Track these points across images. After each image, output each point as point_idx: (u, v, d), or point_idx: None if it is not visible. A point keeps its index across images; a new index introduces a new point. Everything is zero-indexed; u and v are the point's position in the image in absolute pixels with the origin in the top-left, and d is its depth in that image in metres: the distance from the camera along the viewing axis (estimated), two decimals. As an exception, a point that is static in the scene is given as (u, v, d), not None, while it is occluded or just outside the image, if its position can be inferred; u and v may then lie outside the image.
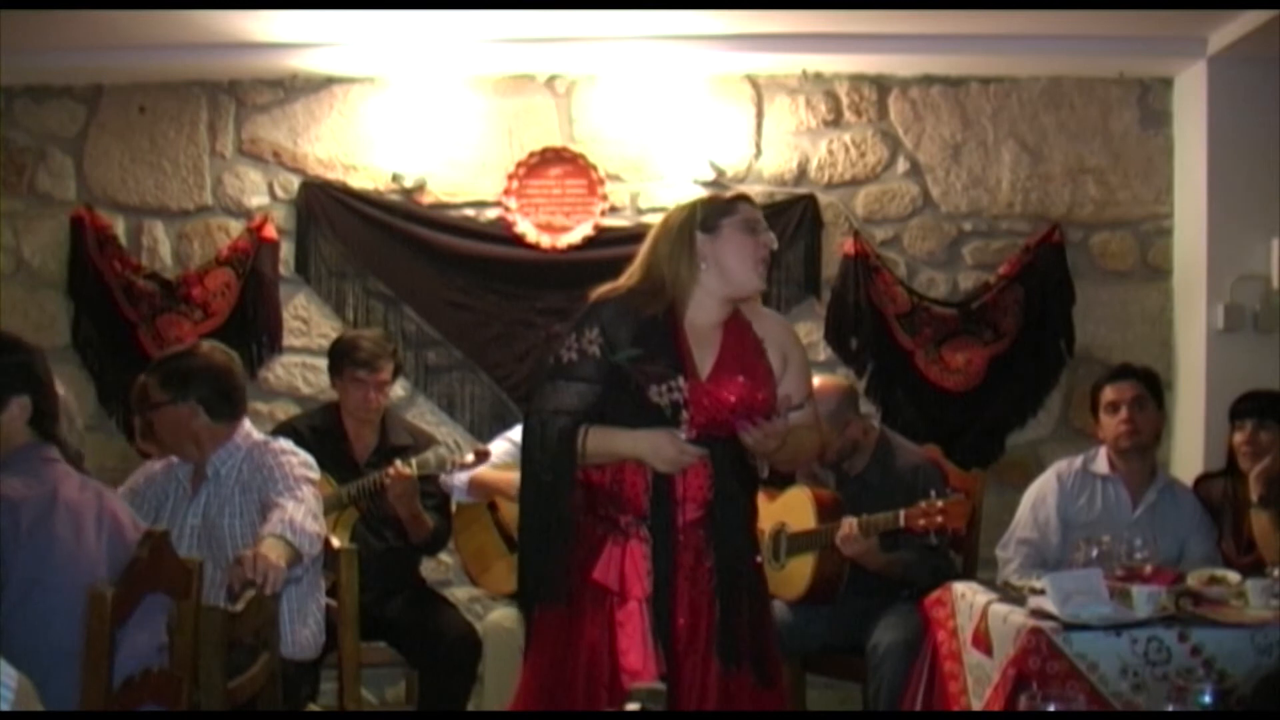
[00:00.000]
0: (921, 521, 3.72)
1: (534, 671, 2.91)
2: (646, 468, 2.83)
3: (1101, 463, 4.10)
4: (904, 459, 4.16)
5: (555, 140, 5.15)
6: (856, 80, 5.21)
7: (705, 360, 2.90)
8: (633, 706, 1.81)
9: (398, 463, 4.15)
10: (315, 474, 3.39)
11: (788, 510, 4.09)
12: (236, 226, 5.17)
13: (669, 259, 2.92)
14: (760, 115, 5.19)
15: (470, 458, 4.20)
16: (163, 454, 3.62)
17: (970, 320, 5.13)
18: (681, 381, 2.84)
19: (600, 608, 2.82)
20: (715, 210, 2.95)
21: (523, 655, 2.99)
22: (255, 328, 5.11)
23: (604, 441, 2.84)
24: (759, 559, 3.03)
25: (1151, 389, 4.09)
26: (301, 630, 3.41)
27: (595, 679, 2.80)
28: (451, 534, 4.46)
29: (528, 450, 2.90)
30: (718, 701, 2.81)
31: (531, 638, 2.93)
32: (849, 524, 3.86)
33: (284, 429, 4.33)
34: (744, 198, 3.08)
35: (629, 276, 2.96)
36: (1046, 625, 3.11)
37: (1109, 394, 4.08)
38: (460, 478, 4.29)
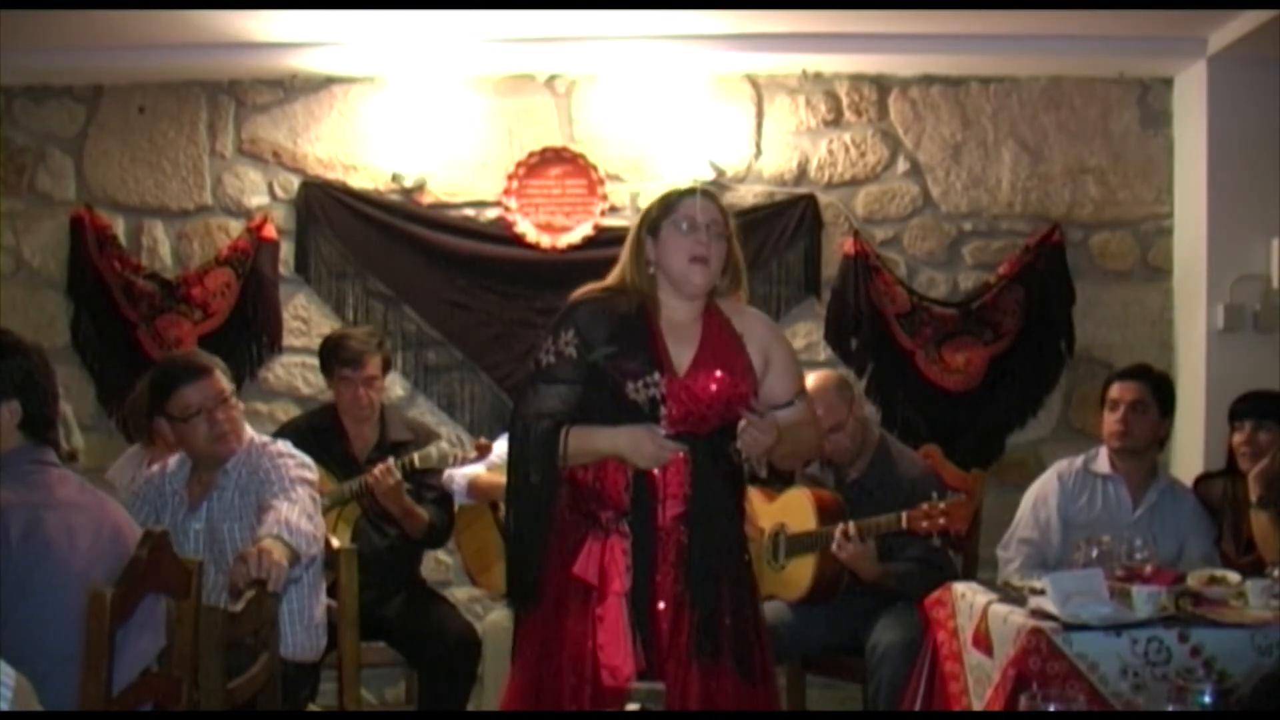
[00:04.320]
0: (924, 523, 3.73)
1: (521, 668, 2.93)
2: (628, 464, 2.85)
3: (1102, 462, 4.10)
4: (903, 468, 4.14)
5: (555, 140, 5.15)
6: (856, 80, 5.22)
7: (684, 355, 2.91)
8: (633, 706, 1.81)
9: (388, 462, 4.15)
10: (313, 474, 3.39)
11: (787, 511, 4.08)
12: (236, 226, 5.17)
13: (627, 263, 2.98)
14: (760, 115, 5.19)
15: (472, 453, 4.22)
16: (166, 455, 3.63)
17: (970, 320, 5.13)
18: (658, 377, 2.86)
19: (582, 603, 2.84)
20: (657, 212, 2.97)
21: (494, 656, 3.01)
22: (255, 328, 5.11)
23: (585, 440, 2.86)
24: (747, 557, 3.03)
25: (1159, 395, 4.08)
26: (302, 631, 3.41)
27: (579, 674, 2.82)
28: (453, 528, 4.46)
29: (513, 455, 2.93)
30: (699, 697, 2.81)
31: (519, 636, 2.95)
32: (844, 527, 3.85)
33: (285, 430, 4.34)
34: (693, 191, 3.01)
35: (610, 275, 3.00)
36: (1047, 625, 3.11)
37: (1113, 391, 4.09)
38: (460, 481, 4.30)
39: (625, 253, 3.00)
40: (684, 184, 4.89)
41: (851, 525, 3.85)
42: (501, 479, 4.15)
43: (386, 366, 4.47)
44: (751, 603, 2.98)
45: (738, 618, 2.89)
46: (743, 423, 2.82)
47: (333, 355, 4.35)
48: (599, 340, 2.88)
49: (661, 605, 2.84)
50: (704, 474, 2.88)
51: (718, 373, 2.87)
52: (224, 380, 3.39)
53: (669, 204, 2.97)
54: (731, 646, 2.86)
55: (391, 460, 4.16)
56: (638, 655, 2.78)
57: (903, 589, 3.96)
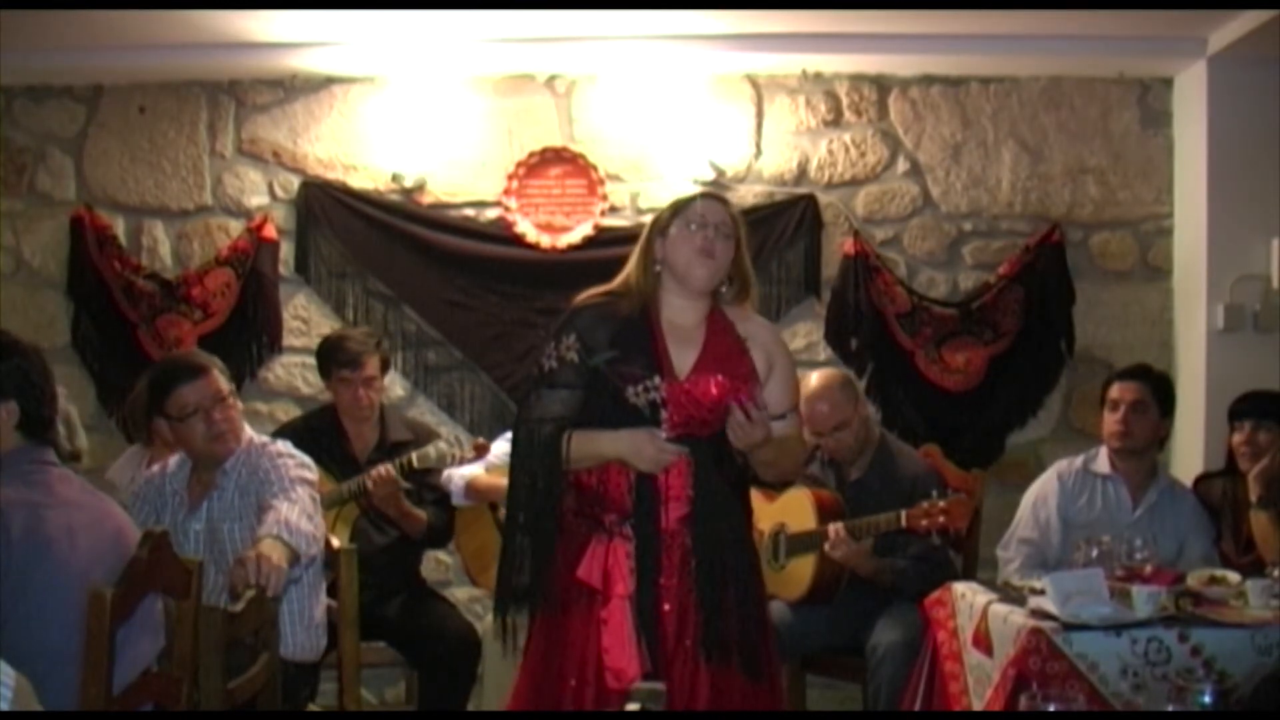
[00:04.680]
0: (924, 522, 3.73)
1: (526, 670, 2.94)
2: (630, 468, 2.85)
3: (1102, 462, 4.10)
4: (904, 466, 4.15)
5: (555, 140, 5.15)
6: (856, 80, 5.22)
7: (686, 359, 2.92)
8: (633, 706, 1.81)
9: (385, 465, 4.15)
10: (313, 474, 3.39)
11: (787, 511, 4.09)
12: (236, 226, 5.17)
13: (634, 264, 3.00)
14: (760, 115, 5.19)
15: (470, 453, 4.22)
16: (166, 455, 3.63)
17: (970, 320, 5.13)
18: (658, 381, 2.87)
19: (586, 607, 2.85)
20: (669, 213, 3.00)
21: (494, 656, 3.00)
22: (255, 328, 5.11)
23: (587, 444, 2.87)
24: (753, 557, 3.03)
25: (1159, 395, 4.08)
26: (302, 631, 3.41)
27: (582, 677, 2.82)
28: (453, 528, 4.46)
29: (516, 459, 2.94)
30: (707, 699, 2.82)
31: (527, 639, 2.94)
32: (835, 529, 3.86)
33: (284, 431, 4.34)
34: (705, 195, 3.10)
35: (615, 279, 3.02)
36: (1047, 625, 3.11)
37: (1113, 391, 4.09)
38: (458, 482, 4.30)
39: (633, 255, 3.02)
40: (686, 186, 4.98)
41: (842, 526, 3.85)
42: (499, 481, 4.19)
43: (385, 367, 4.47)
44: (758, 603, 2.98)
45: (744, 619, 2.89)
46: (734, 414, 2.82)
47: (331, 356, 4.35)
48: (600, 345, 2.89)
49: (666, 608, 2.85)
50: (706, 476, 2.88)
51: (718, 376, 2.87)
52: (222, 380, 3.39)
53: (681, 205, 3.01)
54: (738, 648, 2.86)
55: (389, 465, 4.15)
56: (643, 658, 2.79)
57: (900, 584, 3.97)
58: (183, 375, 3.37)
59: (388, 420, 4.42)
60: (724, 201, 3.06)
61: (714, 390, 2.85)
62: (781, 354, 3.06)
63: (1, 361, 2.59)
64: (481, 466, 4.33)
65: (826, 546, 3.87)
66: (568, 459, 2.86)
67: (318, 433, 4.32)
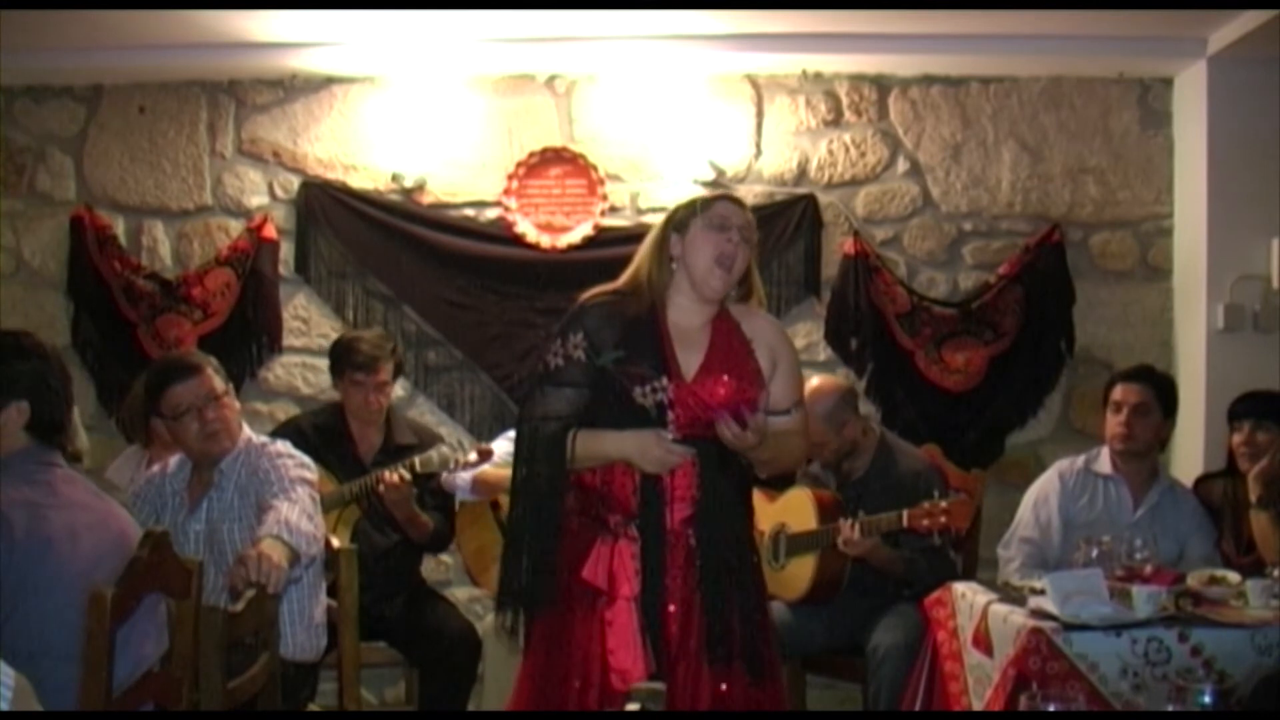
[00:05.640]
0: (925, 521, 3.73)
1: (528, 671, 2.93)
2: (635, 468, 2.85)
3: (1104, 462, 4.10)
4: (905, 463, 4.15)
5: (555, 140, 5.15)
6: (856, 80, 5.22)
7: (692, 360, 2.91)
8: (633, 706, 1.81)
9: (399, 469, 4.15)
10: (312, 474, 3.39)
11: (788, 511, 4.09)
12: (236, 226, 5.17)
13: (647, 259, 2.97)
14: (760, 115, 5.19)
15: (473, 457, 4.21)
16: (165, 455, 3.63)
17: (970, 320, 5.13)
18: (665, 382, 2.86)
19: (590, 607, 2.84)
20: (689, 210, 2.98)
21: (494, 656, 2.98)
22: (255, 328, 5.11)
23: (592, 444, 2.86)
24: (756, 557, 3.03)
25: (1162, 397, 4.08)
26: (302, 631, 3.41)
27: (586, 678, 2.82)
28: (454, 533, 4.46)
29: (520, 456, 2.93)
30: (710, 700, 2.82)
31: (528, 638, 2.94)
32: (848, 526, 3.86)
33: (288, 427, 4.35)
34: (725, 197, 3.08)
35: (622, 277, 3.00)
36: (1047, 625, 3.11)
37: (1116, 393, 4.09)
38: (464, 476, 4.29)
39: (645, 250, 2.98)
40: (686, 186, 4.98)
41: (855, 524, 3.84)
42: (506, 472, 4.17)
43: (398, 372, 4.46)
44: (759, 604, 2.98)
45: (747, 619, 2.89)
46: (725, 426, 2.81)
47: (345, 358, 4.34)
48: (607, 344, 2.88)
49: (671, 608, 2.84)
50: (712, 477, 2.88)
51: (725, 378, 2.86)
52: (216, 379, 3.39)
53: (701, 204, 2.99)
54: (741, 648, 2.86)
55: (401, 470, 4.14)
56: (648, 659, 2.78)
57: (910, 574, 3.97)
58: (176, 374, 3.38)
59: (393, 423, 4.42)
60: (742, 205, 3.03)
61: (721, 391, 2.84)
62: (785, 349, 3.05)
63: (20, 362, 2.61)
64: (486, 468, 4.31)
65: (840, 543, 3.87)
66: (573, 458, 2.85)
67: (323, 431, 4.32)
